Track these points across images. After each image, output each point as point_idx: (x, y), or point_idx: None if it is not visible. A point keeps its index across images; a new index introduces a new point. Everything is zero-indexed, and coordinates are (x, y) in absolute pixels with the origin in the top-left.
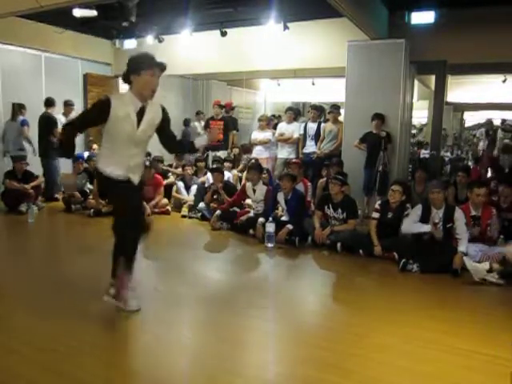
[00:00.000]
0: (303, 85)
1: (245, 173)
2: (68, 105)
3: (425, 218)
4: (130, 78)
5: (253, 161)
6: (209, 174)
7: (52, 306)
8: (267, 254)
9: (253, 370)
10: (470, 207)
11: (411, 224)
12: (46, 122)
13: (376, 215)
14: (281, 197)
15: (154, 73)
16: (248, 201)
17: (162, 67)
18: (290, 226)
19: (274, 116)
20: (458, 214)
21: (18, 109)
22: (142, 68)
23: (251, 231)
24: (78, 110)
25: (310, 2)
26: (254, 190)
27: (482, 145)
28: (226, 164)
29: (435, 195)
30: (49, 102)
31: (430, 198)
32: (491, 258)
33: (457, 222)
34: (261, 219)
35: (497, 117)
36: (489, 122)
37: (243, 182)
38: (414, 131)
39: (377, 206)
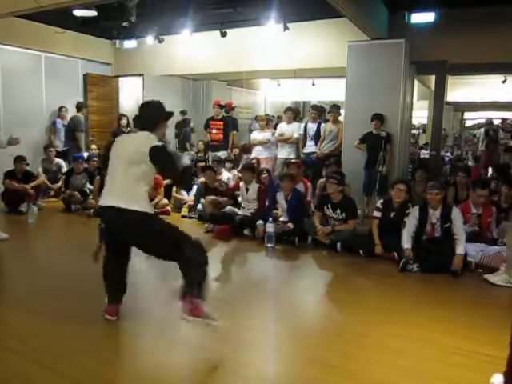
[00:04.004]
0: (303, 85)
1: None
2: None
3: (423, 219)
4: (158, 124)
5: (248, 160)
6: None
7: (52, 305)
8: (267, 254)
9: (253, 369)
10: (470, 205)
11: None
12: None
13: (378, 214)
14: (280, 197)
15: None
16: (239, 200)
17: None
18: (290, 225)
19: (270, 115)
20: (456, 214)
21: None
22: (166, 116)
23: (246, 232)
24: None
25: (310, 2)
26: (247, 189)
27: (480, 144)
28: (227, 164)
29: (432, 196)
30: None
31: (427, 198)
32: (492, 259)
33: (454, 222)
34: (260, 221)
35: (497, 117)
36: (489, 122)
37: (236, 181)
38: (414, 131)
39: (378, 204)
